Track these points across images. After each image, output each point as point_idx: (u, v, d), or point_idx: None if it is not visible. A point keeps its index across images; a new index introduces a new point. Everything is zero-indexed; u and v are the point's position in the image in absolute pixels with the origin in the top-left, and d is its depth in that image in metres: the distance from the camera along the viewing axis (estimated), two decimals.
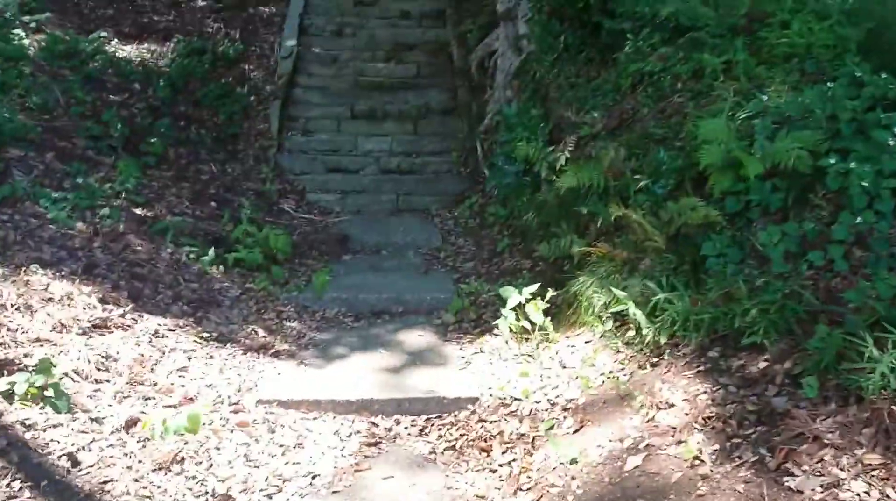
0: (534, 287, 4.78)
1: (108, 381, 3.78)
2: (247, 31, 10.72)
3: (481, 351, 4.81)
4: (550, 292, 4.74)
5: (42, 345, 3.78)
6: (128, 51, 8.99)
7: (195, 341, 4.55)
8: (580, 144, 6.22)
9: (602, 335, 4.42)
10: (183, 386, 4.02)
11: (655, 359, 4.01)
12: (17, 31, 8.11)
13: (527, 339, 4.76)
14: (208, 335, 4.68)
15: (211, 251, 5.56)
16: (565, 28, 6.94)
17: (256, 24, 10.98)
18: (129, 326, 4.36)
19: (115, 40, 9.06)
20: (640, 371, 3.98)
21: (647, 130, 5.50)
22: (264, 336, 4.91)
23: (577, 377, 4.18)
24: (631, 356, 4.15)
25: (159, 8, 10.53)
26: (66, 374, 3.63)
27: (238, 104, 9.00)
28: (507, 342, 4.77)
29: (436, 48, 10.70)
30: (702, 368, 3.73)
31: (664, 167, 4.77)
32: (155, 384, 3.93)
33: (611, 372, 4.09)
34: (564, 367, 4.37)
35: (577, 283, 4.81)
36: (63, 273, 4.56)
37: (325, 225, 7.28)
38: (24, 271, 4.39)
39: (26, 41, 7.95)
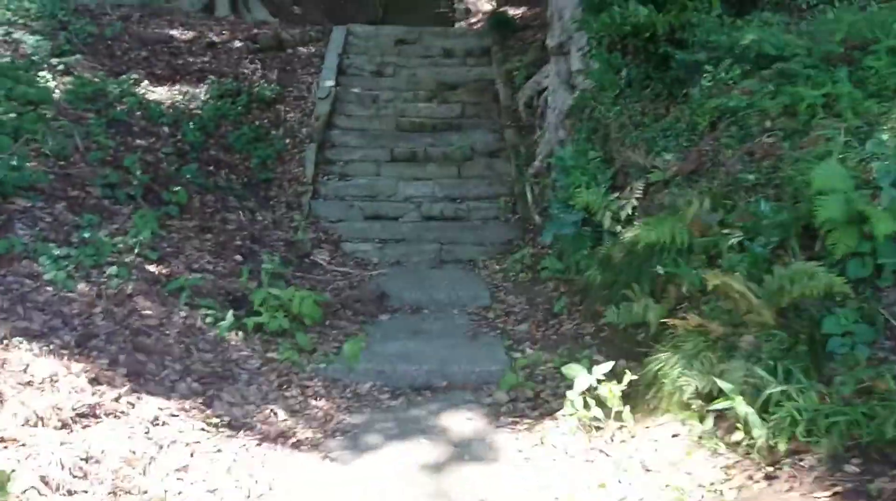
0: (606, 366, 3.91)
1: (85, 491, 3.02)
2: (284, 71, 10.20)
3: (541, 443, 3.94)
4: (628, 375, 3.86)
5: (6, 447, 3.05)
6: (159, 93, 8.48)
7: (202, 428, 3.78)
8: (649, 191, 5.38)
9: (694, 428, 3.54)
10: (180, 493, 3.24)
11: (771, 469, 3.10)
12: (43, 73, 7.66)
13: (598, 427, 3.89)
14: (218, 420, 3.91)
15: (229, 315, 4.83)
16: (628, 62, 6.15)
17: (294, 65, 10.46)
18: (122, 413, 3.62)
19: (146, 82, 8.56)
20: (751, 485, 3.07)
21: (733, 175, 4.65)
22: (285, 420, 4.12)
23: (666, 486, 3.29)
24: (736, 462, 3.25)
25: (195, 50, 10.08)
26: (32, 486, 2.89)
27: (272, 148, 8.40)
28: (573, 432, 3.91)
29: (481, 87, 10.02)
30: (839, 488, 2.82)
31: (765, 222, 3.90)
32: (145, 493, 3.16)
33: (712, 484, 3.18)
34: (648, 470, 3.48)
35: (658, 360, 3.93)
36: (52, 347, 3.86)
37: (360, 280, 6.53)
38: (5, 347, 3.71)
39: (52, 84, 7.48)
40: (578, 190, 5.82)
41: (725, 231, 4.16)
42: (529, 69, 9.71)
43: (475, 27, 12.42)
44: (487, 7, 19.49)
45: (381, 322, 5.76)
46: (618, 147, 6.00)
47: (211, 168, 7.51)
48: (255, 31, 11.09)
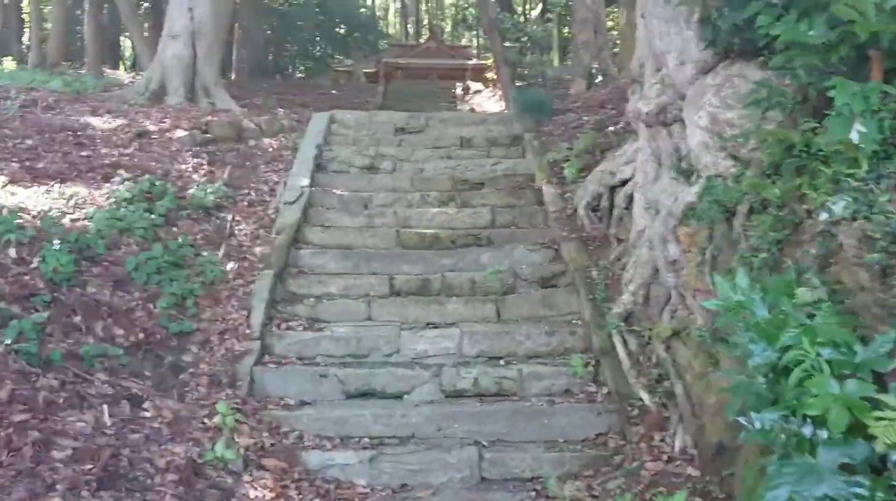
0: None
1: None
2: (241, 168, 7.02)
3: None
4: None
5: None
6: (25, 196, 5.19)
7: None
8: None
9: None
10: None
11: None
12: None
13: None
14: None
15: None
16: (875, 102, 2.89)
17: (255, 160, 7.29)
18: None
19: (5, 180, 5.30)
20: None
21: None
22: None
23: None
24: None
25: (117, 140, 6.91)
26: None
27: (200, 278, 5.02)
28: None
29: (514, 185, 6.82)
30: None
31: None
32: None
33: None
34: None
35: None
36: None
37: None
38: None
39: None
40: (812, 379, 2.43)
41: None
42: (585, 159, 6.55)
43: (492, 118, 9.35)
44: (495, 108, 16.83)
45: None
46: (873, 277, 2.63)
47: (76, 319, 4.09)
48: (209, 118, 8.01)
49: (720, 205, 3.97)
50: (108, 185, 5.74)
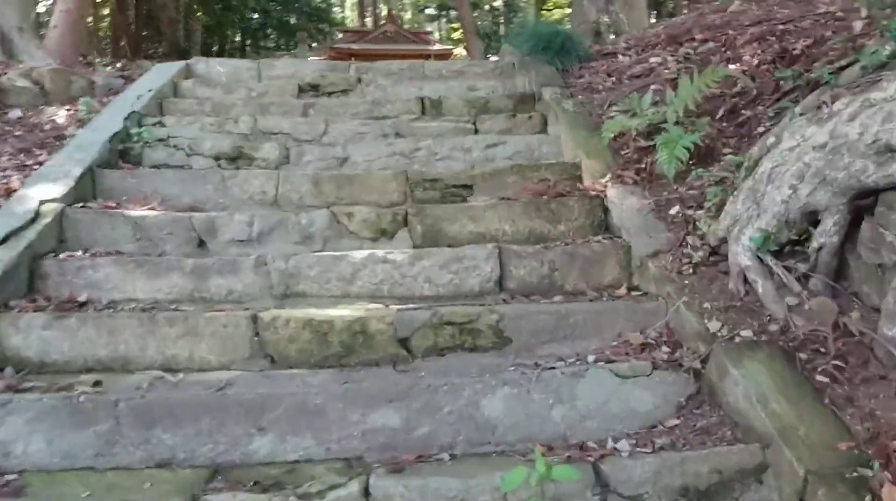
0: None
1: None
2: None
3: None
4: None
5: None
6: None
7: None
8: None
9: None
10: None
11: None
12: None
13: None
14: None
15: None
16: None
17: (1, 147, 3.35)
18: None
19: None
20: None
21: None
22: None
23: None
24: None
25: None
26: None
27: None
28: None
29: (541, 188, 2.96)
30: None
31: None
32: None
33: None
34: None
35: None
36: None
37: None
38: None
39: None
40: None
41: None
42: (704, 128, 2.74)
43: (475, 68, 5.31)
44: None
45: None
46: None
47: None
48: None
49: None
50: None
